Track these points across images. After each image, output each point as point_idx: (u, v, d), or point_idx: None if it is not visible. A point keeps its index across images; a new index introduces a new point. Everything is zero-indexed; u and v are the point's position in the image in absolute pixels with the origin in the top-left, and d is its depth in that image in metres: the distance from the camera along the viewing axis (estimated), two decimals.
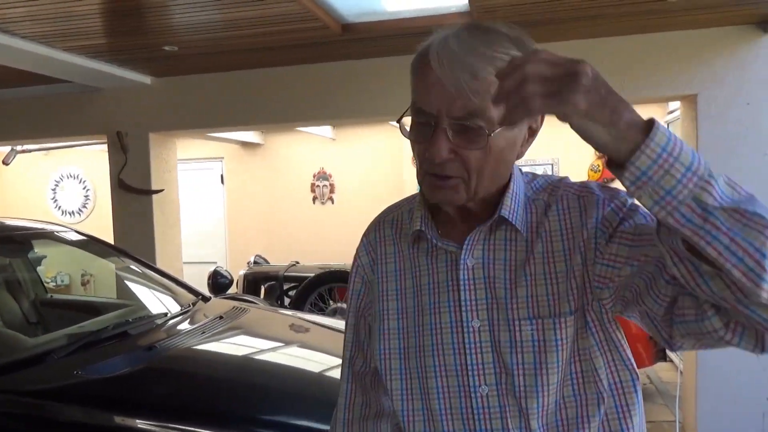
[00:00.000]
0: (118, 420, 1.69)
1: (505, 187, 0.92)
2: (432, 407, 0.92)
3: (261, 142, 7.12)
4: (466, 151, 0.84)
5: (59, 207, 7.60)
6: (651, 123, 0.67)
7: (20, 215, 6.37)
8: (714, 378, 3.42)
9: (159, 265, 3.98)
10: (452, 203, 0.90)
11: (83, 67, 3.55)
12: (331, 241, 6.87)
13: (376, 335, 0.99)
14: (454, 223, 0.95)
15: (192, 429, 1.65)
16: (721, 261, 0.64)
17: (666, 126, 0.69)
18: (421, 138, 0.86)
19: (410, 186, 6.60)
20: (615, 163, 0.68)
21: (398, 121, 0.92)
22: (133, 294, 3.05)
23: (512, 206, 0.91)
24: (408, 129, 0.89)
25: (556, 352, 0.87)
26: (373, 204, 6.80)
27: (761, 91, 3.34)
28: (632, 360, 0.94)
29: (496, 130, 0.82)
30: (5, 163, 6.19)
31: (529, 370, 0.88)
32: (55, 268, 6.42)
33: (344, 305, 4.42)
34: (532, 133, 0.90)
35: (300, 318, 3.00)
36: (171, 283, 2.95)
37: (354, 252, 1.08)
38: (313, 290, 4.49)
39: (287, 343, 2.57)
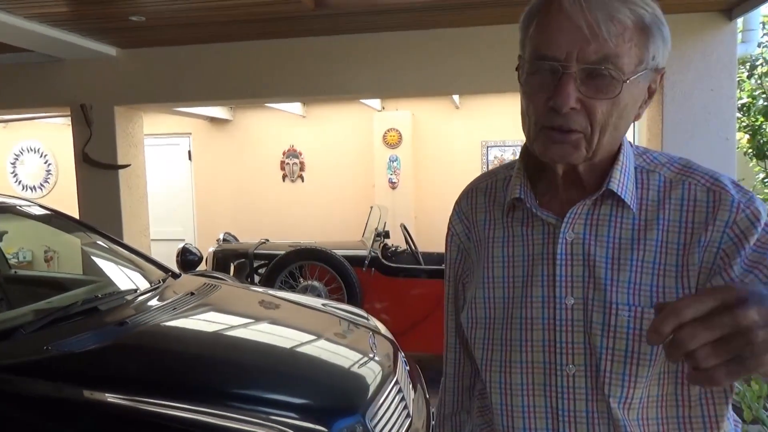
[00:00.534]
0: (88, 394, 1.68)
1: (615, 158, 0.86)
2: (513, 381, 0.89)
3: (230, 118, 7.01)
4: (594, 101, 0.78)
5: (19, 182, 7.36)
6: None
7: None
8: None
9: (126, 241, 3.91)
10: (570, 161, 0.83)
11: (45, 36, 3.43)
12: (301, 219, 6.84)
13: (466, 303, 0.97)
14: (555, 192, 0.90)
15: (163, 402, 1.65)
16: None
17: None
18: (542, 86, 0.79)
19: (379, 165, 6.61)
20: None
21: (517, 70, 0.84)
22: (101, 270, 2.99)
23: (622, 179, 0.85)
24: (523, 80, 0.82)
25: (651, 345, 0.78)
26: (343, 182, 6.83)
27: (724, 78, 3.44)
28: None
29: (630, 78, 0.77)
30: None
31: (619, 357, 0.83)
32: (17, 243, 6.24)
33: (315, 283, 4.43)
34: (651, 93, 0.85)
35: (271, 295, 3.00)
36: (140, 259, 2.91)
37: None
38: (284, 268, 4.47)
39: (259, 319, 2.57)
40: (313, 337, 2.40)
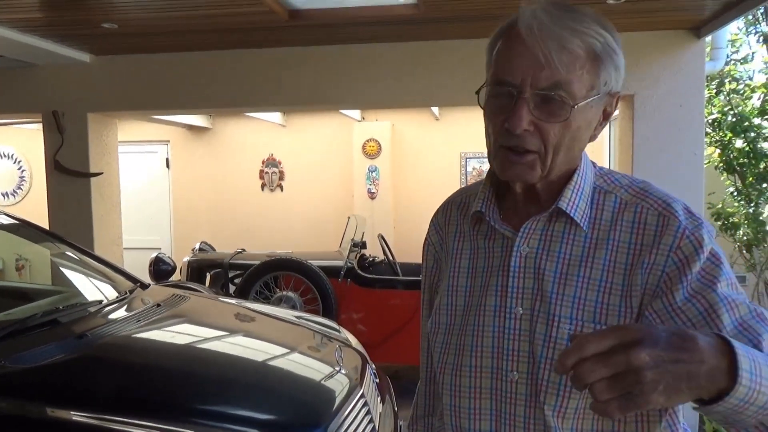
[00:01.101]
0: (34, 410, 1.65)
1: (570, 178, 0.91)
2: (462, 383, 0.93)
3: (209, 126, 6.97)
4: (546, 124, 0.83)
5: None
6: (733, 361, 0.64)
7: None
8: None
9: (97, 250, 3.86)
10: (525, 181, 0.89)
11: (16, 42, 3.39)
12: (280, 228, 6.81)
13: (432, 310, 1.03)
14: (516, 208, 0.95)
15: (120, 419, 1.62)
16: None
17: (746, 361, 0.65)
18: (500, 109, 0.85)
19: (359, 175, 6.61)
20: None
21: (477, 93, 0.90)
22: (69, 281, 2.95)
23: (572, 198, 0.90)
24: (484, 103, 0.89)
25: (558, 374, 0.82)
26: (322, 192, 6.81)
27: (693, 94, 3.51)
28: None
29: (580, 104, 0.82)
30: None
31: None
32: None
33: (290, 294, 4.41)
34: (607, 116, 0.91)
35: (242, 306, 2.97)
36: (108, 269, 2.87)
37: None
38: (259, 278, 4.45)
39: (226, 331, 2.54)
40: (279, 350, 2.38)
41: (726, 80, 4.48)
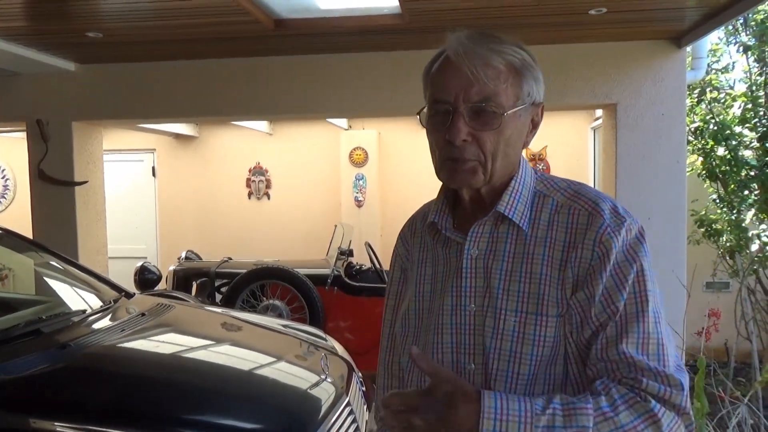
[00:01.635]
0: (17, 421, 1.63)
1: (507, 183, 1.00)
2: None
3: (195, 135, 6.95)
4: (482, 133, 0.94)
5: None
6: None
7: None
8: None
9: (81, 260, 3.82)
10: (471, 185, 0.99)
11: (0, 50, 3.37)
12: (267, 237, 6.79)
13: (400, 316, 1.11)
14: (467, 215, 1.04)
15: (105, 430, 1.61)
16: None
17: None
18: (440, 125, 0.96)
19: (346, 183, 6.62)
20: None
21: (418, 114, 1.02)
22: (52, 290, 2.92)
23: (510, 202, 0.99)
24: (426, 122, 1.00)
25: (532, 346, 0.94)
26: (309, 201, 6.81)
27: (675, 103, 3.56)
28: None
29: (508, 112, 0.94)
30: None
31: (504, 356, 0.95)
32: None
33: (276, 302, 4.39)
34: (535, 125, 1.02)
35: (228, 315, 2.96)
36: (93, 279, 2.85)
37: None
38: (245, 287, 4.43)
39: (212, 340, 2.53)
40: (265, 359, 2.37)
41: (707, 89, 4.55)
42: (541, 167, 6.45)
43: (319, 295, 4.36)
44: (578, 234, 0.96)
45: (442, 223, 1.06)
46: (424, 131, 1.02)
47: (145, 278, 4.58)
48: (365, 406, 2.43)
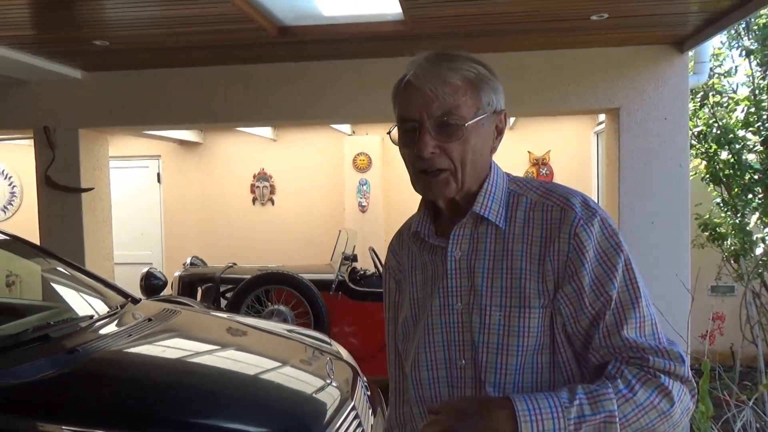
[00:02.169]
0: (26, 426, 1.65)
1: (481, 186, 1.07)
2: (422, 377, 1.08)
3: (200, 141, 6.99)
4: (448, 144, 1.01)
5: None
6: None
7: None
8: None
9: (88, 266, 3.85)
10: (445, 195, 1.05)
11: (7, 58, 3.41)
12: (272, 242, 6.81)
13: (400, 325, 1.17)
14: (446, 222, 1.10)
15: None
16: None
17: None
18: (409, 141, 1.03)
19: (349, 188, 6.64)
20: None
21: (388, 133, 1.09)
22: (59, 296, 2.95)
23: (484, 203, 1.06)
24: (397, 141, 1.07)
25: (518, 337, 1.00)
26: (313, 206, 6.83)
27: (677, 107, 3.57)
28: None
29: (470, 123, 1.01)
30: None
31: (492, 349, 1.02)
32: None
33: (281, 308, 4.41)
34: (500, 131, 1.09)
35: (233, 320, 2.98)
36: (99, 284, 2.87)
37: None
38: (250, 292, 4.45)
39: (217, 345, 2.55)
40: (270, 363, 2.39)
41: (710, 93, 4.55)
42: (544, 172, 6.46)
43: (324, 301, 4.38)
44: (553, 229, 1.02)
45: (424, 232, 1.12)
46: None
47: (151, 284, 4.61)
48: (370, 411, 2.43)
